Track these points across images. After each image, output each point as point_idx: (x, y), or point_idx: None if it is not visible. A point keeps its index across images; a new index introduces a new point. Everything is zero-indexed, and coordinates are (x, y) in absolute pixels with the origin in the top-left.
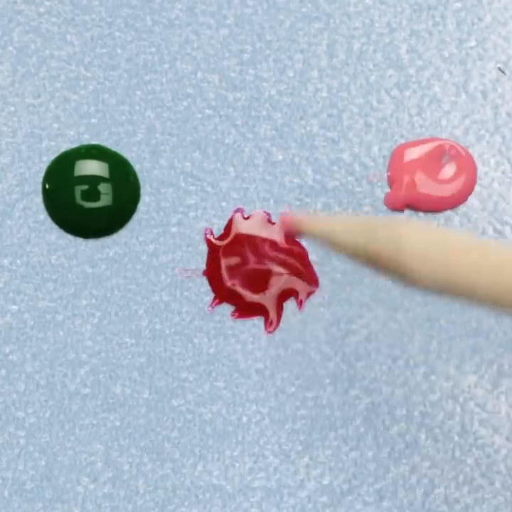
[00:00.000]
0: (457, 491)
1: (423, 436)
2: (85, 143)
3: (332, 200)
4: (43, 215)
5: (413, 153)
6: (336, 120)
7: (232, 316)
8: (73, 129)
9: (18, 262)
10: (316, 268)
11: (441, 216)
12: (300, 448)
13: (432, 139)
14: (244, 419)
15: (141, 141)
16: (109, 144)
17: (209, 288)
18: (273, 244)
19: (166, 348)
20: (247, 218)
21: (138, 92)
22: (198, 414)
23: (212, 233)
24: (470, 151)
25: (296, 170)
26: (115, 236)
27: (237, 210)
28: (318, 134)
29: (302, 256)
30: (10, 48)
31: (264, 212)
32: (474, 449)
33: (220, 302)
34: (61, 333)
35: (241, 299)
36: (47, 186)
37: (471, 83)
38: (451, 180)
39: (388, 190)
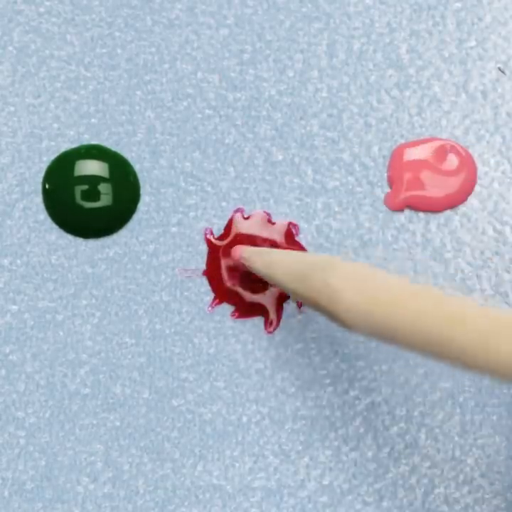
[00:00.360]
0: (457, 491)
1: (423, 436)
2: (85, 143)
3: (332, 200)
4: (43, 215)
5: (413, 153)
6: (335, 120)
7: (232, 316)
8: (73, 129)
9: (18, 262)
10: None
11: (442, 216)
12: (300, 448)
13: (432, 139)
14: (244, 419)
15: (141, 141)
16: (109, 144)
17: (209, 288)
18: (273, 244)
19: (166, 348)
20: (247, 218)
21: (138, 92)
22: (198, 414)
23: (212, 233)
24: (470, 151)
25: (296, 170)
26: (115, 236)
27: (237, 210)
28: (318, 134)
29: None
30: (10, 48)
31: (264, 212)
32: (474, 449)
33: (220, 302)
34: (61, 333)
35: (241, 299)
36: (47, 186)
37: (471, 83)
38: (451, 180)
39: (388, 190)
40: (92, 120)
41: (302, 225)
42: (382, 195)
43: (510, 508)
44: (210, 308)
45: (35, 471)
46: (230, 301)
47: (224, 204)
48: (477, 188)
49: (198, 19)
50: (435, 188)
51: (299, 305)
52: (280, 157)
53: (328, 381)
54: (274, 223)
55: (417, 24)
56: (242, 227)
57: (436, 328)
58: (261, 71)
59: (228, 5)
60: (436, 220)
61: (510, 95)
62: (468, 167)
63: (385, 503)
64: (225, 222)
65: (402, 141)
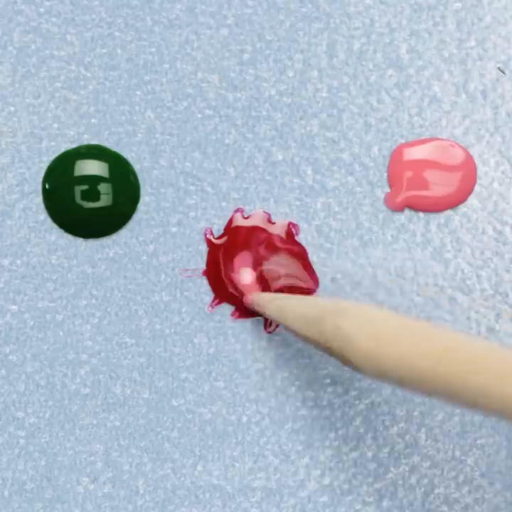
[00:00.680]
0: (457, 491)
1: (423, 436)
2: (85, 143)
3: (332, 200)
4: (43, 215)
5: (413, 153)
6: (335, 120)
7: (232, 316)
8: (73, 129)
9: (18, 262)
10: (316, 268)
11: (442, 216)
12: (300, 448)
13: (432, 139)
14: (244, 419)
15: (141, 141)
16: (109, 144)
17: (209, 288)
18: (272, 239)
19: (166, 348)
20: (247, 218)
21: (138, 92)
22: (198, 414)
23: (212, 233)
24: (470, 151)
25: (296, 170)
26: (115, 236)
27: (237, 210)
28: (318, 134)
29: (302, 256)
30: (10, 48)
31: (264, 212)
32: (474, 449)
33: (220, 302)
34: (61, 333)
35: (241, 300)
36: (47, 186)
37: (471, 83)
38: (451, 180)
39: (388, 190)
40: (92, 120)
41: (302, 225)
42: (382, 195)
43: (510, 508)
44: (210, 308)
45: (35, 471)
46: (230, 301)
47: (224, 204)
48: (477, 188)
49: (198, 19)
50: (435, 188)
51: None
52: (280, 157)
53: (328, 381)
54: (274, 223)
55: (417, 24)
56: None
57: (451, 373)
58: (261, 71)
59: (228, 5)
60: (436, 220)
61: (510, 95)
62: (468, 167)
63: (385, 503)
64: (225, 222)
65: (402, 141)
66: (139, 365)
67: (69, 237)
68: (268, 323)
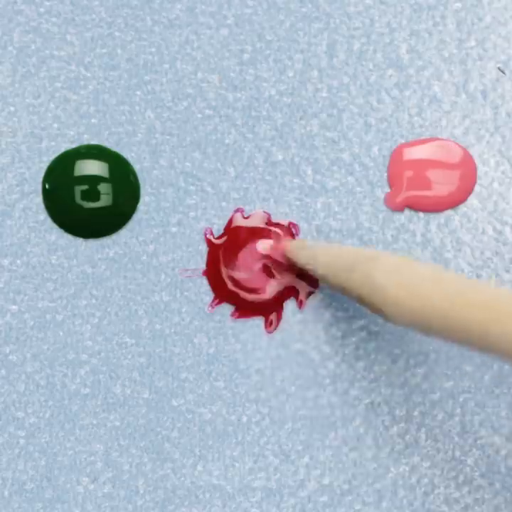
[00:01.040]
0: (457, 491)
1: (423, 436)
2: (85, 143)
3: (332, 200)
4: (43, 215)
5: (413, 153)
6: (335, 120)
7: (232, 316)
8: (73, 129)
9: (18, 262)
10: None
11: (442, 216)
12: (300, 448)
13: (432, 139)
14: (244, 419)
15: (141, 141)
16: (109, 144)
17: (209, 288)
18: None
19: (166, 348)
20: (247, 218)
21: (138, 92)
22: (198, 414)
23: (212, 233)
24: (470, 151)
25: (296, 170)
26: (115, 236)
27: (237, 210)
28: (318, 134)
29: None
30: (10, 48)
31: (264, 212)
32: (474, 449)
33: (220, 302)
34: (61, 333)
35: (241, 299)
36: (47, 186)
37: (471, 83)
38: (451, 180)
39: (388, 190)
40: (92, 120)
41: (302, 225)
42: (382, 195)
43: (510, 508)
44: (210, 308)
45: (35, 471)
46: (230, 301)
47: (224, 204)
48: (477, 188)
49: (198, 19)
50: (435, 188)
51: (300, 305)
52: (280, 157)
53: (328, 381)
54: (274, 223)
55: (417, 24)
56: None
57: (476, 320)
58: (261, 71)
59: (228, 5)
60: (436, 220)
61: (510, 95)
62: (468, 167)
63: (385, 503)
64: (225, 222)
65: (402, 141)
66: (139, 365)
67: (69, 237)
68: (268, 323)
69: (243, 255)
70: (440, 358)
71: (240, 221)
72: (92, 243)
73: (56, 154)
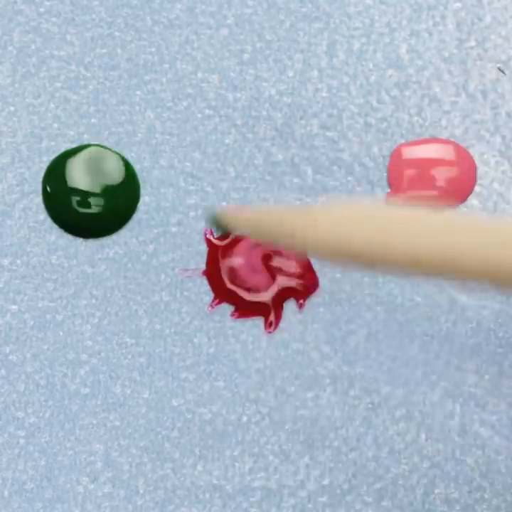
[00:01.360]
0: (457, 491)
1: (423, 436)
2: (85, 143)
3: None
4: (43, 215)
5: (413, 153)
6: (335, 120)
7: (232, 316)
8: (73, 129)
9: (18, 262)
10: (316, 268)
11: None
12: (300, 448)
13: (432, 139)
14: (244, 419)
15: (141, 141)
16: (109, 143)
17: (209, 288)
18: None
19: (166, 348)
20: None
21: (138, 92)
22: (198, 414)
23: (212, 233)
24: (470, 151)
25: (296, 170)
26: (115, 236)
27: None
28: (318, 134)
29: (302, 256)
30: (10, 48)
31: None
32: (474, 449)
33: (220, 302)
34: (61, 333)
35: (241, 299)
36: (47, 187)
37: (471, 83)
38: (451, 180)
39: (388, 190)
40: (92, 120)
41: None
42: (382, 195)
43: (510, 508)
44: (210, 308)
45: (35, 471)
46: (230, 301)
47: (224, 204)
48: (477, 188)
49: (198, 19)
50: (435, 188)
51: (300, 305)
52: (280, 157)
53: (328, 381)
54: None
55: (417, 24)
56: None
57: (432, 241)
58: (261, 71)
59: (228, 5)
60: None
61: (510, 95)
62: (468, 167)
63: (385, 503)
64: None
65: (402, 141)
66: (139, 365)
67: (69, 237)
68: (268, 323)
69: (244, 258)
70: (440, 358)
71: None
72: (92, 243)
73: (56, 154)
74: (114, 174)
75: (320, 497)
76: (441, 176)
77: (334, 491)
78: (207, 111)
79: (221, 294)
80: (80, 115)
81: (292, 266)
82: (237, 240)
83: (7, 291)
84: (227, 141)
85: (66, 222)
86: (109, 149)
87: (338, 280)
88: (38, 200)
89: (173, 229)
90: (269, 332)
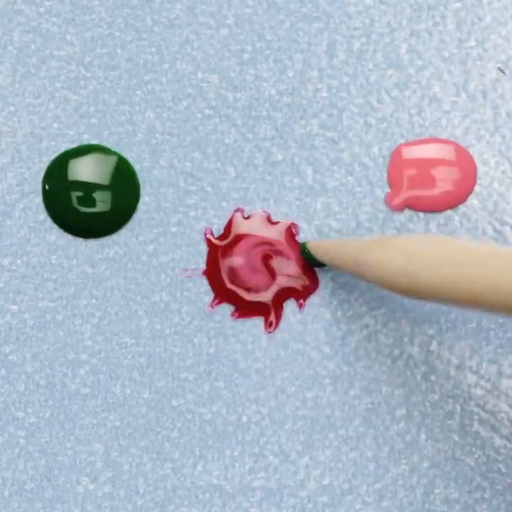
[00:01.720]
0: (457, 491)
1: (423, 436)
2: (85, 143)
3: (332, 200)
4: (43, 215)
5: (413, 153)
6: (335, 120)
7: (232, 316)
8: (73, 129)
9: (18, 262)
10: (316, 268)
11: (441, 216)
12: (300, 448)
13: (432, 139)
14: (244, 419)
15: (141, 141)
16: (109, 143)
17: (209, 288)
18: (273, 243)
19: (166, 348)
20: (247, 218)
21: (138, 92)
22: (198, 414)
23: (212, 233)
24: (470, 151)
25: (296, 170)
26: (115, 236)
27: (237, 210)
28: (318, 134)
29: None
30: (10, 48)
31: (264, 212)
32: (474, 449)
33: (220, 302)
34: (61, 333)
35: (241, 299)
36: (47, 187)
37: (471, 83)
38: (451, 180)
39: (388, 190)
40: (92, 120)
41: (302, 225)
42: (382, 195)
43: (510, 508)
44: (210, 308)
45: (35, 471)
46: (230, 301)
47: (224, 204)
48: (477, 188)
49: (198, 19)
50: (435, 187)
51: (300, 305)
52: (280, 157)
53: (328, 381)
54: (274, 223)
55: (417, 24)
56: (242, 227)
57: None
58: (261, 71)
59: (228, 5)
60: (436, 220)
61: (510, 95)
62: (468, 167)
63: (385, 503)
64: (225, 222)
65: (402, 141)
66: (139, 365)
67: (69, 237)
68: (268, 323)
69: (243, 258)
70: (440, 358)
71: (240, 221)
72: (92, 243)
73: (56, 154)
74: (114, 174)
75: (320, 497)
76: (441, 175)
77: (334, 491)
78: (207, 111)
79: (221, 293)
80: (80, 115)
81: (292, 266)
82: (237, 240)
83: (7, 291)
84: (227, 141)
85: (66, 222)
86: (109, 149)
87: (338, 280)
88: (38, 200)
89: (173, 229)
90: (269, 332)
